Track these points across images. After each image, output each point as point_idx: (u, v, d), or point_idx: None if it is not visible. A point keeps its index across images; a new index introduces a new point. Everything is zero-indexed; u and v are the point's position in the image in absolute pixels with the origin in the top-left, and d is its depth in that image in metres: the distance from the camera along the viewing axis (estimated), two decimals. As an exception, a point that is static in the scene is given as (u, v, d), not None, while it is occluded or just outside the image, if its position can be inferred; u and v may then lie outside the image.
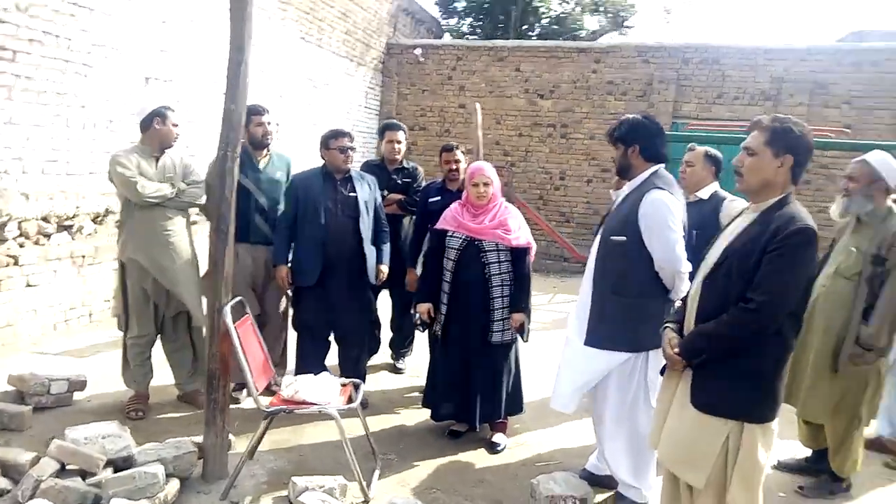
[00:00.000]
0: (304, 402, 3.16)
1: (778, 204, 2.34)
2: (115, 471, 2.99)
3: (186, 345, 4.23)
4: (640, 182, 3.14)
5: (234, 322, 3.18)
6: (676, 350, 2.44)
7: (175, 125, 4.05)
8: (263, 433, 3.19)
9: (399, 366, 5.18)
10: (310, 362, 4.10)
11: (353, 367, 4.19)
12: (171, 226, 4.00)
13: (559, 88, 11.45)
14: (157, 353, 4.16)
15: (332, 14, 10.26)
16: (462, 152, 4.62)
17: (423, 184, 5.00)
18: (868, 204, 3.35)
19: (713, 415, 2.33)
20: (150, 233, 3.93)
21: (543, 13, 18.71)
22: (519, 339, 3.85)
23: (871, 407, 3.37)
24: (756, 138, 2.37)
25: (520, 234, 3.80)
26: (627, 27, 19.09)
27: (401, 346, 5.24)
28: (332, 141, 4.24)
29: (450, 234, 3.82)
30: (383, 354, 5.16)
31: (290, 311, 4.47)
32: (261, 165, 4.35)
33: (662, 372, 2.63)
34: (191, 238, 4.16)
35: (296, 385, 3.24)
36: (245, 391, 4.32)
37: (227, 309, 3.20)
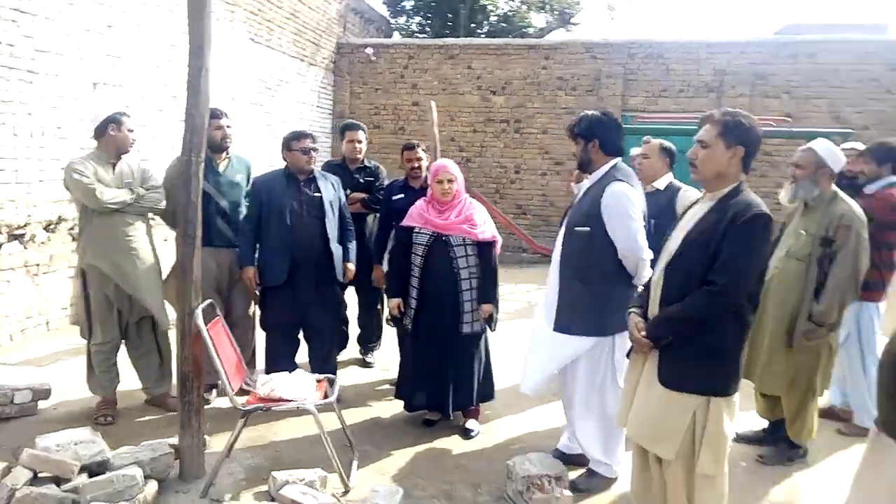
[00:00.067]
0: (280, 400, 3.20)
1: (732, 192, 2.48)
2: (90, 476, 2.97)
3: (152, 349, 4.20)
4: (601, 175, 3.28)
5: (205, 324, 3.19)
6: (643, 333, 2.56)
7: (130, 131, 4.02)
8: (240, 431, 3.21)
9: (368, 360, 5.24)
10: (280, 361, 4.12)
11: (324, 364, 4.23)
12: (131, 231, 3.98)
13: (511, 85, 11.63)
14: (122, 357, 4.12)
15: (281, 15, 10.20)
16: (423, 150, 4.70)
17: (386, 182, 5.06)
18: (815, 189, 3.54)
19: (681, 391, 2.46)
20: (111, 239, 3.91)
21: (491, 11, 18.90)
22: (487, 328, 3.94)
23: (824, 378, 3.56)
24: (709, 131, 2.50)
25: (485, 228, 3.90)
26: (573, 24, 19.43)
27: (369, 340, 5.29)
28: (295, 142, 4.26)
29: (416, 230, 3.89)
30: (351, 350, 5.20)
31: (257, 312, 4.48)
32: (220, 168, 4.35)
33: (628, 355, 2.75)
34: (152, 243, 4.14)
35: (271, 383, 3.27)
36: (215, 391, 4.32)
37: (199, 311, 3.22)
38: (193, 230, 3.29)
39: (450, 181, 3.85)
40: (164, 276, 4.17)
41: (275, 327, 4.30)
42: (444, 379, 3.86)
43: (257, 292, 4.33)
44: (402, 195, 4.55)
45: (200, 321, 3.16)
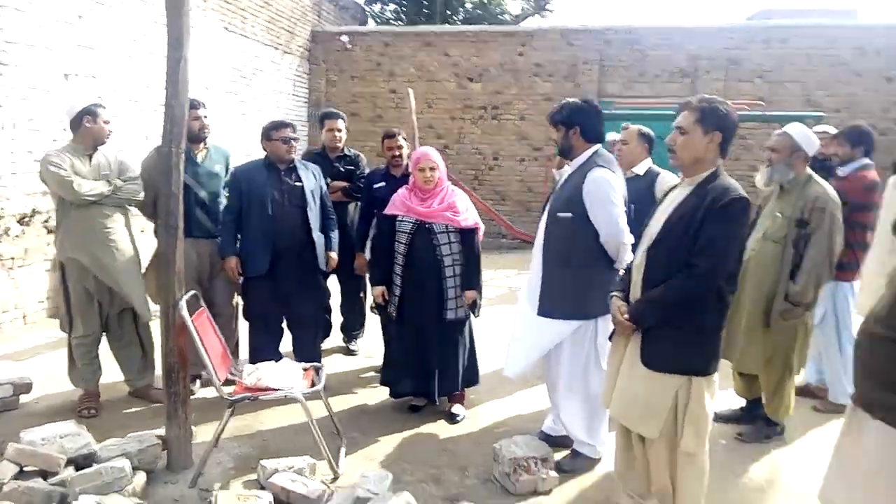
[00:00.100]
0: (268, 389, 3.21)
1: (711, 177, 2.53)
2: (77, 469, 2.97)
3: (133, 341, 4.18)
4: (583, 162, 3.31)
5: (190, 315, 3.19)
6: (626, 316, 2.61)
7: (106, 122, 3.98)
8: (227, 421, 3.21)
9: (352, 348, 5.25)
10: (264, 351, 4.12)
11: (309, 352, 4.23)
12: (110, 223, 3.95)
13: (488, 72, 11.63)
14: (103, 349, 4.10)
15: (255, 2, 10.10)
16: (404, 138, 4.70)
17: (366, 171, 5.06)
18: (790, 172, 3.61)
19: (664, 372, 2.51)
20: (89, 231, 3.87)
21: (467, -3, 18.86)
22: (471, 314, 3.98)
23: (801, 357, 3.64)
24: (687, 118, 2.54)
25: (468, 215, 3.92)
26: (549, 10, 19.45)
27: (352, 328, 5.30)
28: (274, 132, 4.25)
29: (399, 218, 3.90)
30: (335, 338, 5.22)
31: (240, 302, 4.47)
32: (199, 159, 4.32)
33: (611, 338, 2.81)
34: (131, 235, 4.11)
35: (258, 373, 3.28)
36: (199, 382, 4.32)
37: (183, 303, 3.21)
38: (175, 221, 3.28)
39: (432, 169, 3.86)
40: (143, 268, 4.14)
41: (258, 317, 4.30)
42: (430, 365, 3.89)
43: (240, 282, 4.32)
44: (383, 183, 4.55)
45: (185, 313, 3.16)
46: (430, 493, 3.08)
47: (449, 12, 18.25)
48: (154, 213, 4.26)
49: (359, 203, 4.95)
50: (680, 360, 2.50)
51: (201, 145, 4.36)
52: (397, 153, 4.61)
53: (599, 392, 3.08)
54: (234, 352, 4.49)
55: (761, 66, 10.77)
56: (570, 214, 3.24)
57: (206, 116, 4.32)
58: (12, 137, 5.63)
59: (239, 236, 4.25)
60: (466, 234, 3.92)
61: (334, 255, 4.44)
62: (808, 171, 3.66)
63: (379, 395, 4.27)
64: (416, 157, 3.93)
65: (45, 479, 2.90)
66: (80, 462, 3.03)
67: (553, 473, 3.15)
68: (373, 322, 4.82)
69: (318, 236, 4.29)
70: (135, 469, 3.03)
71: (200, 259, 4.29)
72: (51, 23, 5.99)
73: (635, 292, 2.64)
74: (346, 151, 5.19)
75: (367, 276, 4.80)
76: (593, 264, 3.26)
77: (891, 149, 8.09)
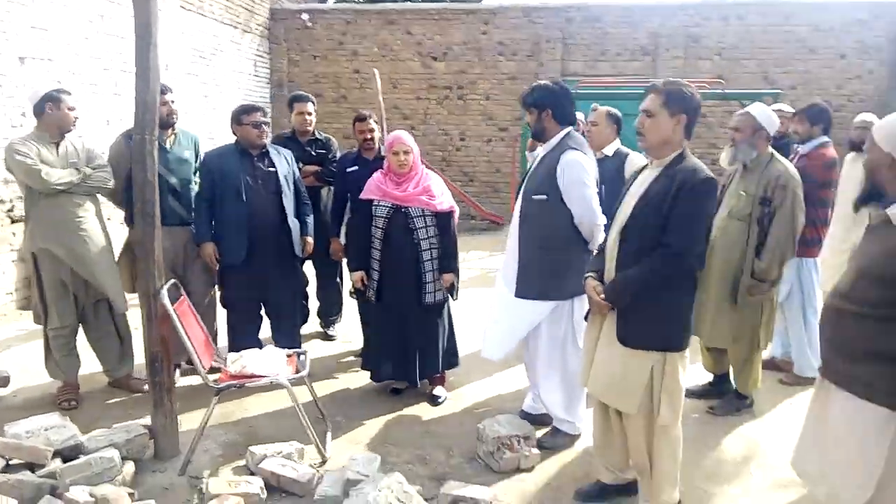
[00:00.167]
0: (253, 376, 3.24)
1: (678, 158, 2.62)
2: (64, 461, 2.98)
3: (111, 331, 4.15)
4: (555, 144, 3.38)
5: (171, 304, 3.19)
6: (602, 296, 2.69)
7: (71, 109, 3.89)
8: (213, 409, 3.24)
9: (330, 333, 5.27)
10: (244, 338, 4.14)
11: (289, 339, 4.26)
12: (81, 212, 3.89)
13: (452, 51, 11.60)
14: (80, 340, 4.07)
15: (211, -21, 9.88)
16: (375, 121, 4.70)
17: (338, 154, 5.06)
18: (753, 152, 3.71)
19: (640, 349, 2.61)
20: (61, 221, 3.81)
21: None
22: (450, 297, 4.05)
23: (767, 332, 3.78)
24: (653, 101, 2.62)
25: (443, 198, 3.96)
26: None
27: (329, 314, 5.32)
28: (245, 116, 4.21)
29: (375, 203, 3.93)
30: (313, 324, 5.24)
31: (217, 290, 4.46)
32: (168, 145, 4.26)
33: (586, 317, 2.90)
34: (103, 224, 4.05)
35: (242, 360, 3.31)
36: (178, 371, 4.31)
37: (164, 292, 3.21)
38: (152, 210, 3.27)
39: (405, 153, 3.88)
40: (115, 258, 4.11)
41: (236, 305, 4.30)
42: (410, 349, 3.95)
43: (216, 269, 4.30)
44: (356, 167, 4.54)
45: (167, 301, 3.17)
46: (417, 474, 3.15)
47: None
48: (123, 201, 4.22)
49: (331, 188, 4.95)
50: (655, 337, 2.60)
51: (169, 131, 4.30)
52: (369, 136, 4.60)
53: (577, 370, 3.19)
54: (213, 340, 4.48)
55: (720, 44, 10.96)
56: (544, 197, 3.31)
57: (173, 101, 4.26)
58: (-31, 124, 5.48)
59: (213, 223, 4.22)
60: (442, 218, 3.96)
61: (310, 239, 4.44)
62: (770, 149, 3.77)
63: (360, 379, 4.32)
64: (390, 142, 3.94)
65: (32, 471, 2.90)
66: (67, 454, 3.04)
67: (535, 451, 3.26)
68: (350, 307, 4.85)
69: (293, 222, 4.28)
70: (123, 459, 3.05)
71: (174, 247, 4.25)
72: (3, 4, 5.81)
73: (609, 272, 2.72)
74: (317, 135, 5.17)
75: (343, 260, 4.83)
76: (568, 245, 3.34)
77: (845, 125, 8.33)
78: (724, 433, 3.67)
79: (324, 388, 4.18)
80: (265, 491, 2.89)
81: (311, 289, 5.22)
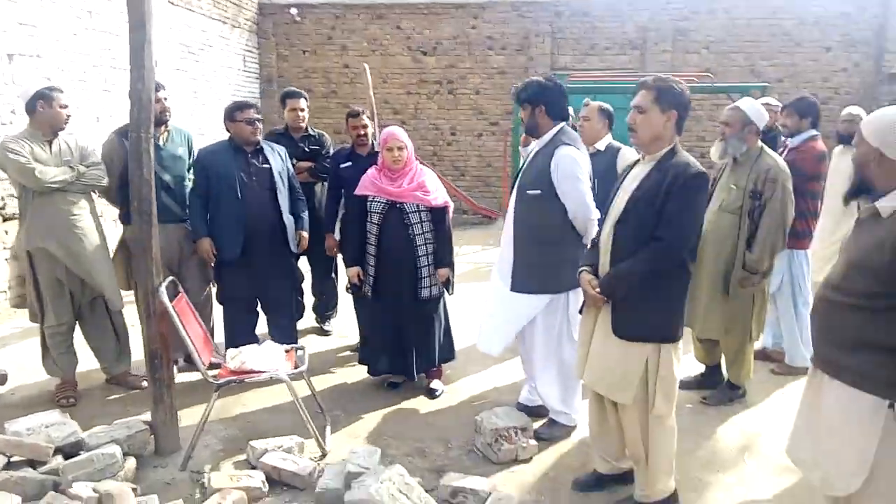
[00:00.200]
0: (253, 371, 3.27)
1: (670, 153, 2.66)
2: (65, 458, 3.01)
3: (107, 329, 4.17)
4: (549, 139, 3.42)
5: (169, 301, 3.21)
6: (597, 290, 2.73)
7: (63, 107, 3.89)
8: (213, 404, 3.26)
9: (326, 328, 5.30)
10: (240, 334, 4.17)
11: (286, 334, 4.29)
12: (76, 210, 3.90)
13: (441, 45, 11.58)
14: (77, 337, 4.09)
15: (198, -26, 9.81)
16: (368, 117, 4.72)
17: (332, 150, 5.08)
18: (742, 146, 3.76)
19: (635, 341, 2.65)
20: (56, 220, 3.82)
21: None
22: (445, 291, 4.09)
23: (759, 323, 3.84)
24: (644, 97, 2.66)
25: (438, 194, 3.99)
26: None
27: (325, 309, 5.34)
28: (238, 113, 4.22)
29: (370, 198, 3.95)
30: (308, 319, 5.26)
31: (213, 287, 4.48)
32: (161, 142, 4.27)
33: (581, 311, 2.93)
34: (98, 222, 4.06)
35: (241, 356, 3.34)
36: (175, 368, 4.31)
37: (163, 289, 3.23)
38: (149, 207, 3.28)
39: (399, 148, 3.90)
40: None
41: (232, 301, 4.32)
42: (407, 343, 3.99)
43: (212, 265, 4.32)
44: (349, 163, 4.56)
45: (166, 299, 3.19)
46: (416, 466, 3.19)
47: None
48: (117, 199, 4.23)
49: (325, 183, 4.97)
50: (649, 329, 2.64)
51: (162, 128, 4.31)
52: (362, 132, 4.60)
53: (573, 362, 3.23)
54: (210, 336, 4.50)
55: (707, 37, 11.00)
56: (539, 192, 3.35)
57: (166, 99, 4.26)
58: (-42, 122, 5.45)
59: (210, 220, 4.23)
60: (437, 213, 3.99)
61: (305, 233, 4.46)
62: (760, 143, 3.83)
63: (357, 373, 4.36)
64: (384, 138, 3.96)
65: (33, 468, 2.93)
66: (68, 451, 3.07)
67: (532, 442, 3.31)
68: (345, 301, 4.87)
69: (288, 219, 4.31)
70: (124, 455, 3.07)
71: (169, 244, 4.24)
72: (-10, 1, 5.76)
73: (604, 266, 2.76)
74: (310, 131, 5.19)
75: (338, 256, 4.85)
76: (563, 239, 3.38)
77: (832, 118, 8.42)
78: (718, 423, 3.73)
79: (321, 382, 4.21)
80: (267, 485, 2.92)
81: (306, 284, 5.23)
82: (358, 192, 4.02)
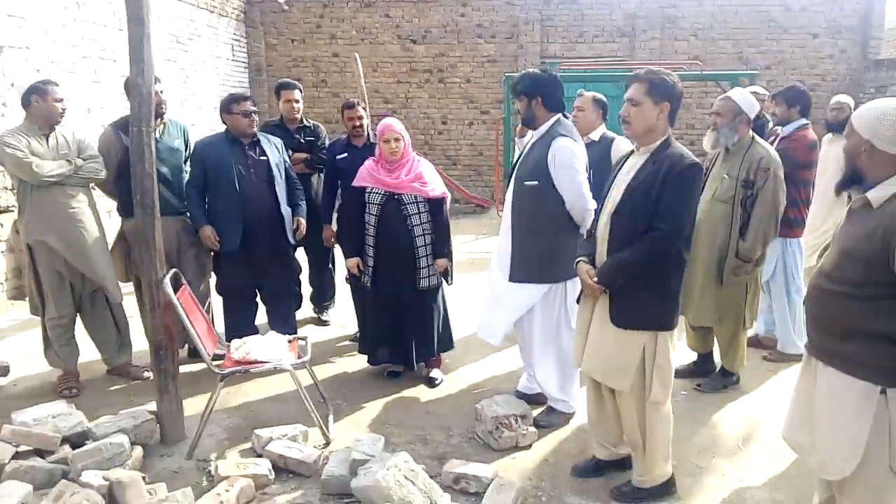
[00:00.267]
0: (257, 361, 3.31)
1: (664, 145, 2.72)
2: (73, 447, 3.05)
3: (108, 320, 4.20)
4: (545, 131, 3.47)
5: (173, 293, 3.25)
6: (595, 279, 2.78)
7: (58, 100, 3.90)
8: (218, 394, 3.31)
9: (324, 318, 5.35)
10: (240, 325, 4.22)
11: (285, 324, 4.34)
12: (75, 203, 3.92)
13: (431, 33, 11.56)
14: (78, 328, 4.12)
15: (184, -38, 9.73)
16: (363, 108, 4.74)
17: (327, 141, 5.10)
18: (734, 135, 3.82)
19: (632, 329, 2.72)
20: (55, 213, 3.85)
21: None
22: (444, 281, 4.14)
23: (752, 311, 3.91)
24: (637, 90, 2.70)
25: (435, 185, 4.04)
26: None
27: (323, 299, 5.39)
28: (234, 105, 4.24)
29: (369, 190, 3.99)
30: (306, 309, 5.29)
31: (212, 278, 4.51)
32: (157, 135, 4.28)
33: (578, 300, 3.00)
34: (96, 215, 4.08)
35: (245, 347, 3.38)
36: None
37: (167, 281, 3.26)
38: (151, 200, 3.31)
39: (396, 140, 3.93)
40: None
41: (232, 292, 4.37)
42: (406, 333, 4.04)
43: (213, 253, 4.34)
44: (345, 154, 4.59)
45: (170, 290, 3.22)
46: (418, 453, 3.25)
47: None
48: (114, 191, 4.25)
49: (321, 174, 4.99)
50: (646, 317, 2.71)
51: (159, 121, 4.31)
52: (358, 124, 4.62)
53: (570, 351, 3.29)
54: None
55: (695, 25, 11.05)
56: (536, 183, 3.40)
57: (162, 92, 4.27)
58: (-51, 115, 5.42)
59: (209, 213, 4.25)
60: (435, 204, 4.03)
61: (303, 220, 4.49)
62: (751, 133, 3.88)
63: (357, 362, 4.41)
64: (381, 129, 3.99)
65: (41, 458, 2.97)
66: (75, 440, 3.12)
67: (532, 429, 3.38)
68: (343, 291, 4.91)
69: (286, 210, 4.34)
70: (132, 444, 3.12)
71: (168, 236, 4.22)
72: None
73: (601, 256, 2.81)
74: (305, 122, 5.21)
75: (335, 247, 4.89)
76: (560, 230, 3.44)
77: (820, 105, 8.52)
78: (713, 410, 3.80)
79: (322, 371, 4.25)
80: (273, 472, 2.98)
81: (304, 275, 5.26)
82: (356, 183, 4.06)
